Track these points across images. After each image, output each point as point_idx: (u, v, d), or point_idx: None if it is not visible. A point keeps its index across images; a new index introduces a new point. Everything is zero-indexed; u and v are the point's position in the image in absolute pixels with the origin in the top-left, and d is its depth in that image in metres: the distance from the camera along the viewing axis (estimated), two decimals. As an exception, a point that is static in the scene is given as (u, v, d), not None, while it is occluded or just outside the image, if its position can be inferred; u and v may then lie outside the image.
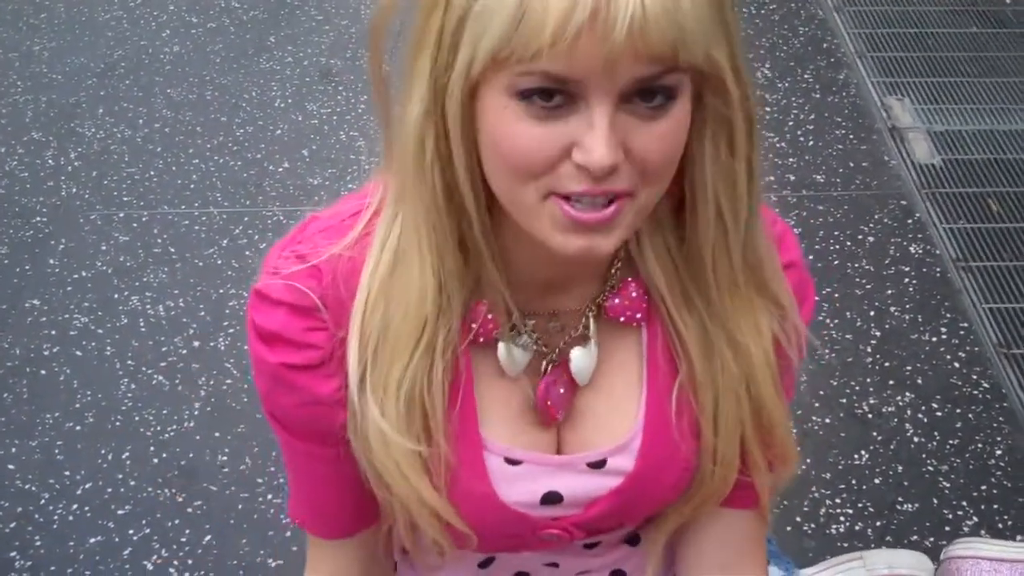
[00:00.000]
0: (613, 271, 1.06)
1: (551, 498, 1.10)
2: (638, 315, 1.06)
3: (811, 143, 3.51)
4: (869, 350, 2.80)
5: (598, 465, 1.10)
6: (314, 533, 1.19)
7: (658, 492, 1.12)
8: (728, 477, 1.11)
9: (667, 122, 0.89)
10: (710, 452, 1.09)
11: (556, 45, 0.82)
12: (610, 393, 1.09)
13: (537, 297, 1.06)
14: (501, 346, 1.05)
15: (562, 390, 1.08)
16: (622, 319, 1.07)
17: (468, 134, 0.92)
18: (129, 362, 2.78)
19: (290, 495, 1.20)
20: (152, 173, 3.43)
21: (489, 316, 1.03)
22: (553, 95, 0.86)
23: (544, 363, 1.08)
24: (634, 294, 1.06)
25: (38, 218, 3.26)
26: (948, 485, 2.46)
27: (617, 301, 1.06)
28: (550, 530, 1.12)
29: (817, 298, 2.89)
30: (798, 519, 2.38)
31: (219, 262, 3.09)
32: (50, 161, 3.48)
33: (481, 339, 1.04)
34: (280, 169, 3.44)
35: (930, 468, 2.51)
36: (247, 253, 3.11)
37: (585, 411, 1.10)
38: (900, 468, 2.50)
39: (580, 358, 1.07)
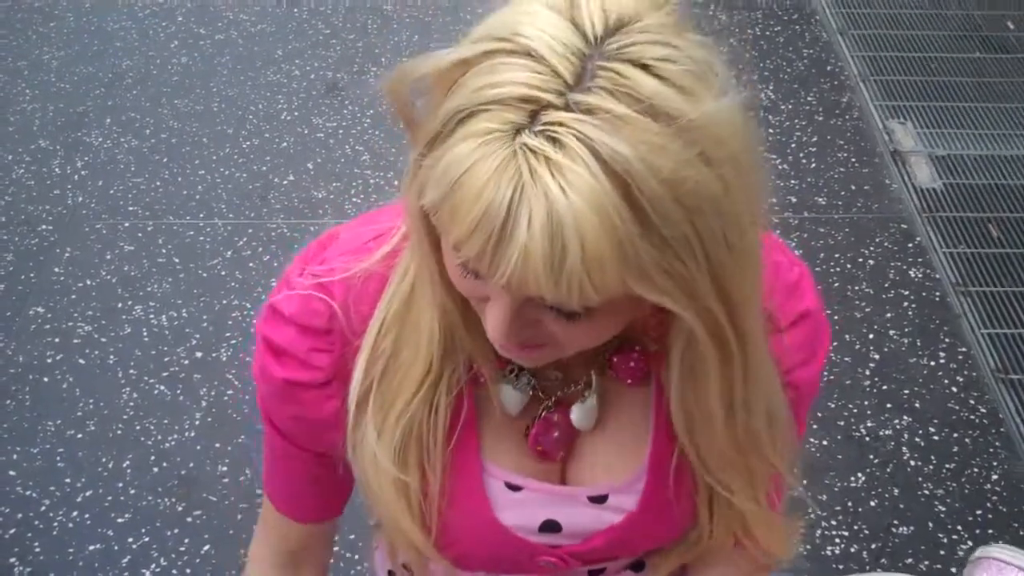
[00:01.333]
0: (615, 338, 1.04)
1: (550, 526, 1.11)
2: (630, 381, 1.06)
3: (813, 165, 3.53)
4: (867, 373, 2.81)
5: (599, 500, 1.10)
6: (279, 510, 1.21)
7: (658, 533, 1.13)
8: (725, 542, 1.13)
9: (589, 323, 0.85)
10: (704, 526, 1.11)
11: (461, 252, 0.79)
12: (616, 439, 1.10)
13: None
14: (499, 387, 1.05)
15: (556, 434, 1.08)
16: (628, 381, 1.07)
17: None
18: (131, 371, 2.80)
19: (264, 471, 1.22)
20: (158, 183, 3.45)
21: (488, 366, 1.03)
22: None
23: (540, 409, 1.08)
24: (632, 364, 1.05)
25: (44, 226, 3.28)
26: (944, 509, 2.47)
27: (617, 361, 1.06)
28: (548, 557, 1.13)
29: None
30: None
31: (223, 273, 3.11)
32: (57, 170, 3.51)
33: (482, 379, 1.04)
34: (285, 182, 3.46)
35: (926, 492, 2.52)
36: (251, 265, 3.13)
37: (590, 449, 1.10)
38: (896, 491, 2.51)
39: (579, 412, 1.07)
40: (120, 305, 3.00)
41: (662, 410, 1.08)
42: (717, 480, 1.05)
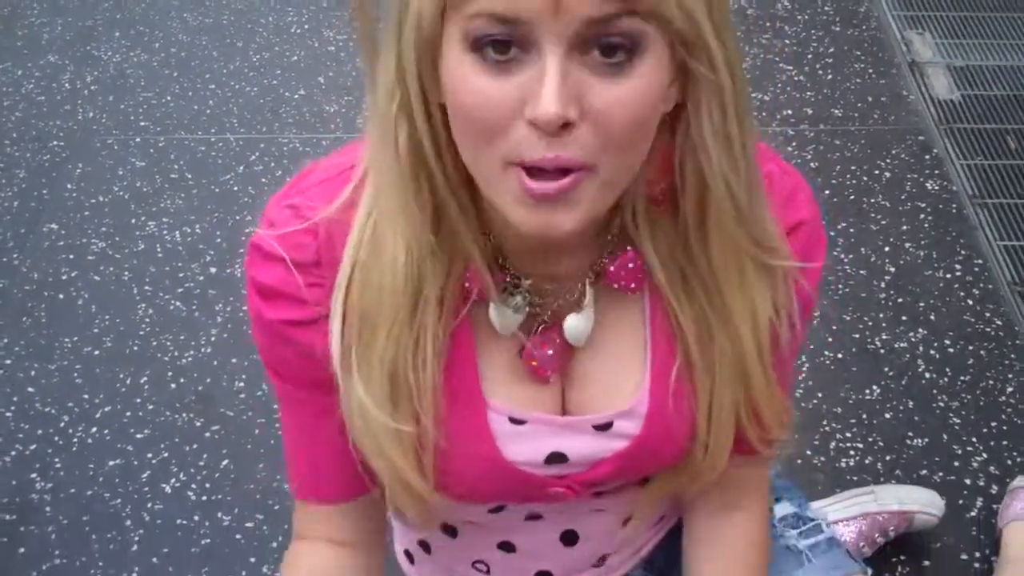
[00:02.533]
0: (610, 237, 1.04)
1: (556, 458, 1.10)
2: (632, 285, 1.05)
3: (830, 77, 3.49)
4: (883, 285, 2.80)
5: (604, 427, 1.10)
6: (312, 496, 1.18)
7: (662, 456, 1.12)
8: (717, 464, 1.12)
9: (631, 82, 0.85)
10: (701, 440, 1.09)
11: None
12: (614, 357, 1.09)
13: (533, 260, 1.04)
14: (492, 307, 1.03)
15: (550, 351, 1.06)
16: (617, 287, 1.05)
17: (429, 98, 0.91)
18: (147, 287, 2.80)
19: (288, 464, 1.19)
20: (168, 98, 3.42)
21: (485, 276, 1.01)
22: (509, 48, 0.84)
23: (536, 325, 1.07)
24: (631, 264, 1.04)
25: (55, 142, 3.26)
26: (958, 421, 2.48)
27: (613, 269, 1.04)
28: (555, 488, 1.12)
29: (832, 233, 2.90)
30: (808, 452, 2.40)
31: (235, 188, 3.10)
32: (67, 85, 3.48)
33: (476, 298, 1.02)
34: (296, 96, 3.43)
35: (941, 404, 2.52)
36: (263, 180, 3.11)
37: (589, 373, 1.09)
38: (911, 403, 2.52)
39: (574, 323, 1.06)
40: (133, 221, 3.00)
41: (658, 318, 1.07)
42: (723, 316, 1.03)
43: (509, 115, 0.85)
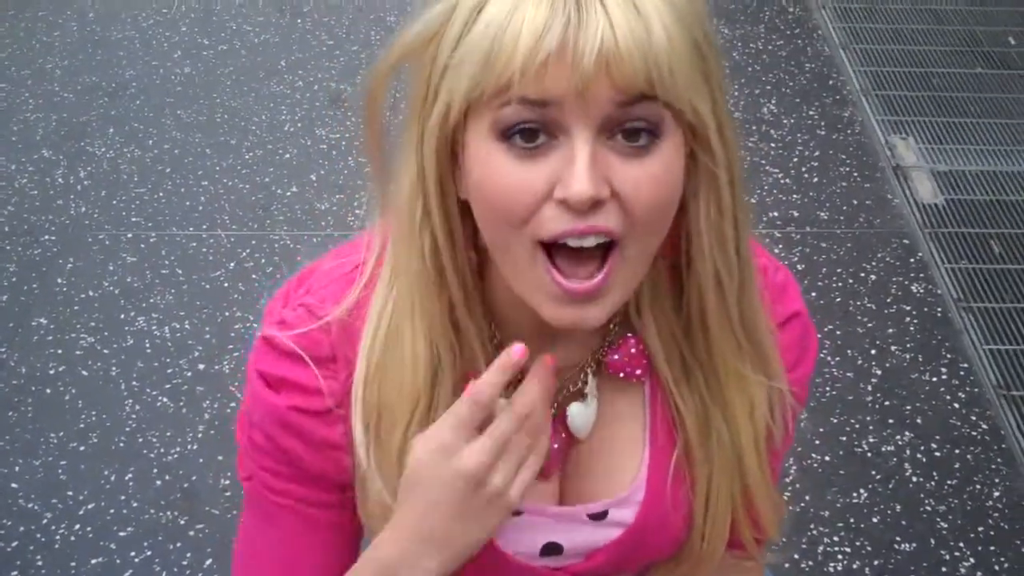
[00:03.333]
0: (612, 326, 1.06)
1: (552, 549, 1.10)
2: (638, 371, 1.06)
3: (815, 180, 3.54)
4: (870, 388, 2.81)
5: (599, 517, 1.10)
6: None
7: (658, 545, 1.13)
8: (716, 553, 1.12)
9: (655, 162, 0.89)
10: (699, 529, 1.10)
11: (526, 73, 0.84)
12: (612, 446, 1.10)
13: (535, 351, 1.03)
14: (500, 401, 1.03)
15: (556, 445, 1.07)
16: (622, 375, 1.07)
17: (450, 191, 0.94)
18: (134, 383, 2.80)
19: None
20: (161, 194, 3.45)
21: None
22: (536, 135, 0.87)
23: None
24: (633, 350, 1.06)
25: (47, 236, 3.28)
26: (946, 526, 2.48)
27: (616, 357, 1.06)
28: None
29: (819, 335, 2.91)
30: (796, 556, 2.39)
31: (226, 285, 3.11)
32: (60, 180, 3.51)
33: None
34: (288, 193, 3.46)
35: (928, 508, 2.52)
36: (254, 276, 3.13)
37: (586, 462, 1.10)
38: (898, 507, 2.51)
39: (579, 414, 1.07)
40: (123, 316, 3.00)
41: (658, 405, 1.08)
42: (721, 406, 1.05)
43: (540, 199, 0.89)
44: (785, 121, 3.80)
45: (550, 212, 0.89)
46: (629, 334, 1.06)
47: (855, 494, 2.55)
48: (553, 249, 0.91)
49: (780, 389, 1.08)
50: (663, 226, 0.93)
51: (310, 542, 1.11)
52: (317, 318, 1.03)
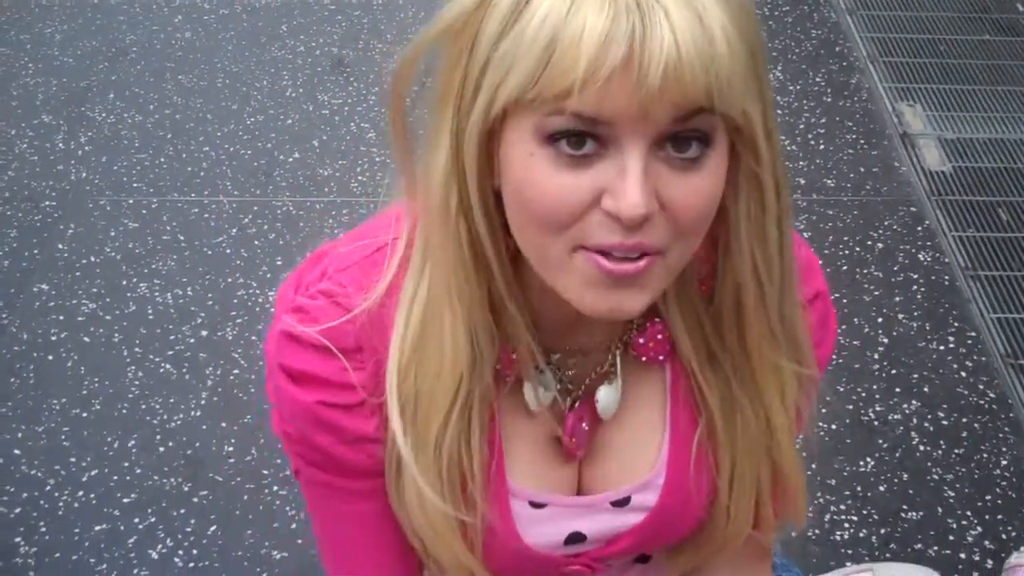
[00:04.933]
0: None
1: (575, 538, 1.10)
2: (661, 356, 1.05)
3: (822, 147, 3.51)
4: (876, 357, 2.80)
5: (621, 503, 1.09)
6: None
7: (679, 527, 1.12)
8: (740, 532, 1.12)
9: (703, 175, 0.86)
10: (723, 509, 1.09)
11: (587, 86, 0.80)
12: (633, 430, 1.09)
13: (563, 334, 1.04)
14: (527, 385, 1.03)
15: (585, 426, 1.07)
16: (644, 359, 1.05)
17: (487, 184, 0.91)
18: (136, 350, 2.78)
19: (324, 559, 1.17)
20: (162, 160, 3.42)
21: (513, 356, 1.01)
22: (583, 141, 0.84)
23: (569, 399, 1.06)
24: (659, 336, 1.04)
25: (47, 202, 3.26)
26: (953, 494, 2.47)
27: (642, 340, 1.04)
28: (573, 566, 1.12)
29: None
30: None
31: (228, 251, 3.09)
32: (60, 145, 3.48)
33: (507, 380, 1.02)
34: (290, 159, 3.43)
35: (935, 477, 2.51)
36: (256, 242, 3.11)
37: (607, 447, 1.09)
38: (905, 476, 2.50)
39: (606, 395, 1.06)
40: (125, 283, 2.98)
41: (679, 388, 1.07)
42: (749, 394, 1.04)
43: (586, 208, 0.86)
44: (791, 88, 3.77)
45: (597, 220, 0.86)
46: (656, 318, 1.04)
47: (862, 462, 2.53)
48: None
49: (811, 375, 1.07)
50: (703, 231, 0.91)
51: (375, 525, 1.11)
52: (339, 305, 1.00)
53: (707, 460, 1.07)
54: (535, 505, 1.07)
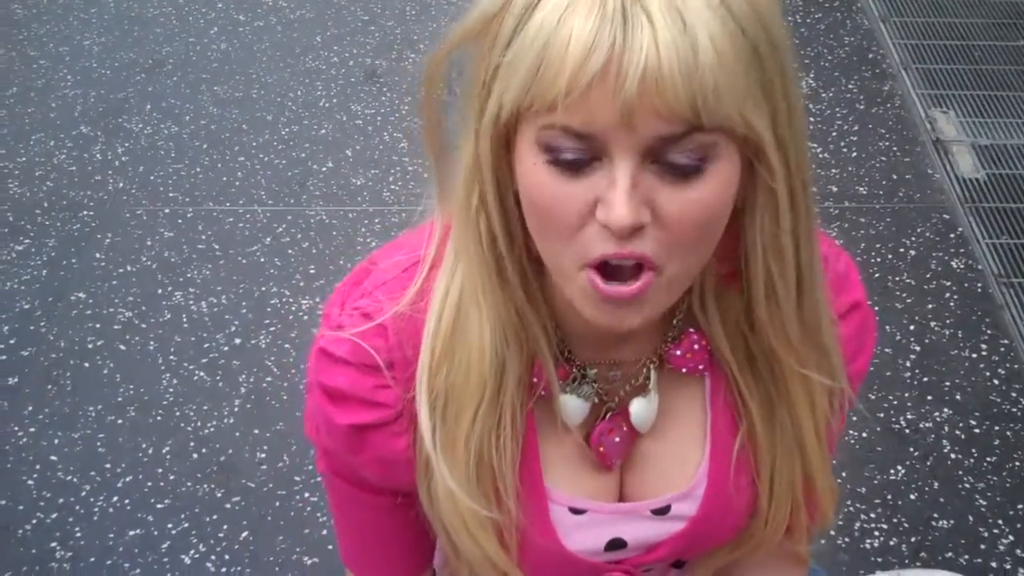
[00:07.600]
0: (675, 322, 1.04)
1: (615, 544, 1.10)
2: (700, 366, 1.05)
3: (854, 154, 3.50)
4: (908, 364, 2.79)
5: (662, 511, 1.10)
6: None
7: (719, 535, 1.12)
8: (777, 535, 1.12)
9: (699, 188, 0.85)
10: (763, 513, 1.09)
11: (571, 95, 0.80)
12: (674, 440, 1.09)
13: (597, 347, 1.04)
14: (560, 398, 1.03)
15: (617, 439, 1.07)
16: (684, 370, 1.05)
17: (503, 188, 0.92)
18: (171, 357, 2.82)
19: (341, 545, 1.21)
20: (198, 170, 3.46)
21: (550, 368, 1.01)
22: (579, 152, 0.84)
23: (603, 411, 1.06)
24: (696, 346, 1.04)
25: (85, 212, 3.30)
26: (984, 503, 2.45)
27: (679, 352, 1.04)
28: (613, 573, 1.13)
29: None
30: (832, 532, 2.38)
31: (262, 260, 3.12)
32: (98, 156, 3.53)
33: (543, 392, 1.02)
34: (324, 169, 3.46)
35: (967, 485, 2.50)
36: (290, 252, 3.14)
37: (648, 457, 1.09)
38: (936, 484, 2.49)
39: (640, 408, 1.06)
40: (160, 291, 3.02)
41: (719, 397, 1.07)
42: (785, 398, 1.03)
43: (584, 216, 0.86)
44: (824, 95, 3.76)
45: (595, 229, 0.86)
46: (691, 328, 1.04)
47: (893, 471, 2.53)
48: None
49: (841, 387, 1.06)
50: (707, 246, 0.90)
51: (393, 526, 1.14)
52: (373, 321, 1.02)
53: (748, 465, 1.07)
54: (575, 511, 1.08)
